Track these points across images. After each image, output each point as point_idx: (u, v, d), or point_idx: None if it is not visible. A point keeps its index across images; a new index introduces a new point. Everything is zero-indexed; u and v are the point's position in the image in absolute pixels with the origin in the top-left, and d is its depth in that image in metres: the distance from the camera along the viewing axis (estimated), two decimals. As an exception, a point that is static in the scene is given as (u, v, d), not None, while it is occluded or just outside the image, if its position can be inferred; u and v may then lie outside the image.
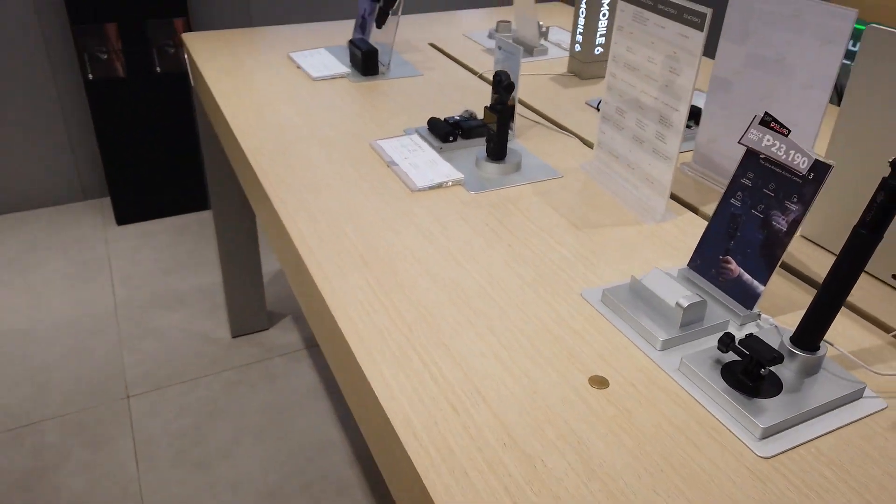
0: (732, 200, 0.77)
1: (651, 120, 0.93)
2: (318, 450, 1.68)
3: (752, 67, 0.94)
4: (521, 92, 1.39)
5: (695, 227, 0.92)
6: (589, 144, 1.17)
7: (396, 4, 1.40)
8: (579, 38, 1.44)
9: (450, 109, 1.29)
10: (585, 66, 1.45)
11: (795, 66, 0.89)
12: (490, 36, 1.72)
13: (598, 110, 1.30)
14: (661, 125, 0.91)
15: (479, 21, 1.88)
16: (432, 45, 1.67)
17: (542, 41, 1.65)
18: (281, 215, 0.92)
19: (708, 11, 0.80)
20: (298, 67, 1.48)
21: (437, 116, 1.24)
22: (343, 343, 0.71)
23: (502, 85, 1.00)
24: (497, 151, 1.05)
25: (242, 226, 1.87)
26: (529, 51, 1.60)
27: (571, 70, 1.50)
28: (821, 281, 0.81)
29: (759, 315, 0.74)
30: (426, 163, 1.06)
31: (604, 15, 1.40)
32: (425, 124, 1.20)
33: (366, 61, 1.42)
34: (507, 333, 0.71)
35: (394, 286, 0.78)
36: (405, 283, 0.79)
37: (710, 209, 0.97)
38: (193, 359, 1.94)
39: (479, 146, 1.14)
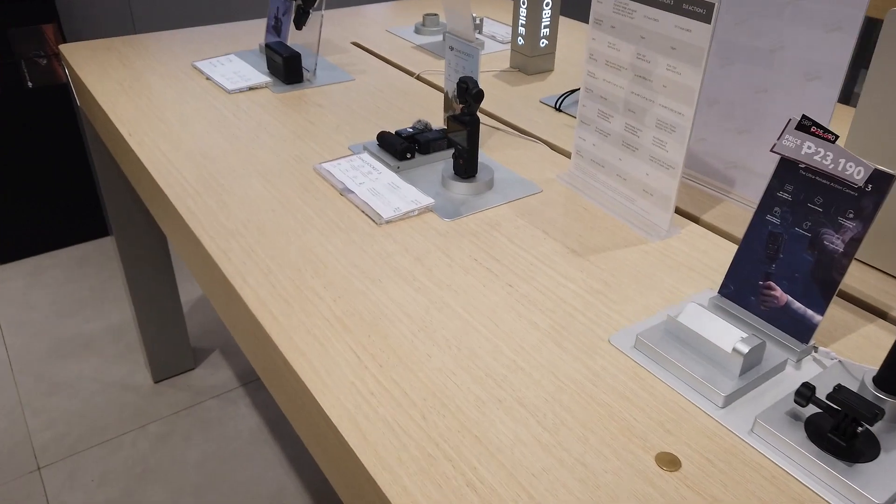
0: (769, 217, 0.67)
1: (646, 125, 0.82)
2: (271, 502, 1.51)
3: (743, 60, 0.85)
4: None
5: (705, 242, 0.83)
6: (560, 151, 1.05)
7: (319, 0, 1.24)
8: (522, 30, 1.33)
9: (395, 119, 1.14)
10: (530, 60, 1.34)
11: (795, 57, 0.80)
12: (417, 31, 1.58)
13: (558, 109, 1.19)
14: (659, 130, 0.81)
15: (399, 15, 1.73)
16: (356, 45, 1.51)
17: (478, 35, 1.52)
18: (226, 273, 0.75)
19: (716, 1, 0.70)
20: (208, 79, 1.28)
21: (386, 129, 1.09)
22: (345, 449, 0.56)
23: (470, 93, 0.87)
24: (468, 168, 0.92)
25: (152, 250, 1.64)
26: (465, 44, 1.47)
27: (515, 65, 1.38)
28: (867, 300, 0.74)
29: (816, 348, 0.65)
30: (386, 187, 0.92)
31: (547, 4, 1.29)
32: (374, 139, 1.05)
33: (288, 68, 1.25)
34: (543, 406, 0.59)
35: (389, 356, 0.64)
36: (401, 349, 0.65)
37: (712, 218, 0.88)
38: (112, 413, 1.71)
39: (439, 161, 1.01)
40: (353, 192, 0.91)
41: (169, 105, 1.16)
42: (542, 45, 1.33)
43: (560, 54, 1.45)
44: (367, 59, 1.41)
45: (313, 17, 1.26)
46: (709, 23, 0.71)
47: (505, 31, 1.57)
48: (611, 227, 0.86)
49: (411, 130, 1.02)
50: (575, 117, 1.15)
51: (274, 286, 0.73)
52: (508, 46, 1.49)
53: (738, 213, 0.89)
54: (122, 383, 1.80)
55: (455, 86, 1.03)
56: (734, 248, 0.82)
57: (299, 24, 1.26)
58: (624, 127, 0.86)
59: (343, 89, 1.26)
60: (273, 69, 1.28)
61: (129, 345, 1.92)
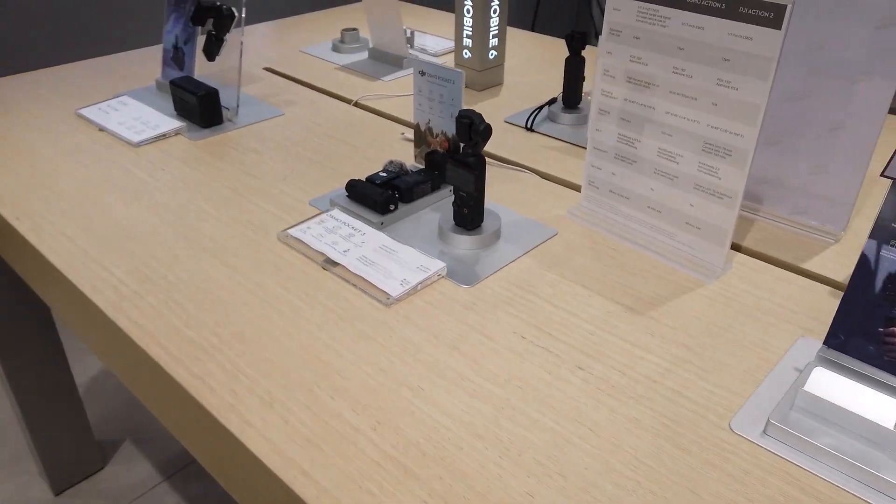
0: (884, 252, 0.57)
1: (688, 149, 0.70)
2: None
3: (769, 63, 0.76)
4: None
5: (765, 276, 0.72)
6: (553, 180, 0.92)
7: (238, 17, 1.02)
8: (468, 42, 1.18)
9: (351, 159, 0.96)
10: (479, 74, 1.20)
11: (837, 58, 0.71)
12: (335, 49, 1.39)
13: (529, 129, 1.05)
14: (708, 155, 0.69)
15: (308, 31, 1.53)
16: (270, 70, 1.30)
17: (409, 49, 1.36)
18: (214, 412, 0.55)
19: (788, 2, 0.59)
20: (102, 129, 1.03)
21: (342, 172, 0.91)
22: None
23: (477, 129, 0.71)
24: (475, 218, 0.76)
25: (31, 320, 1.31)
26: (397, 63, 1.30)
27: (460, 81, 1.23)
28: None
29: (968, 403, 0.55)
30: (378, 253, 0.74)
31: (494, 12, 1.15)
32: (341, 189, 0.86)
33: (205, 108, 1.03)
34: (708, 549, 0.45)
35: (478, 504, 0.47)
36: (491, 492, 0.48)
37: (756, 244, 0.78)
38: (8, 544, 1.39)
39: (424, 209, 0.84)
40: (339, 264, 0.73)
41: (61, 171, 0.91)
42: (491, 58, 1.20)
43: (506, 65, 1.32)
44: (289, 87, 1.21)
45: (230, 41, 1.05)
46: (779, 28, 0.60)
47: (435, 43, 1.42)
48: (654, 269, 0.73)
49: (385, 175, 0.85)
50: (553, 137, 1.02)
51: (287, 421, 0.54)
52: (442, 60, 1.34)
53: (780, 235, 0.79)
54: (14, 503, 1.47)
55: (430, 118, 0.87)
56: (801, 280, 0.72)
57: (212, 54, 1.05)
58: (657, 152, 0.73)
59: (275, 127, 1.05)
60: (184, 111, 1.06)
61: (16, 451, 1.58)
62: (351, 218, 0.80)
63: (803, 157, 0.78)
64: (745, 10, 0.62)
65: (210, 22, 1.03)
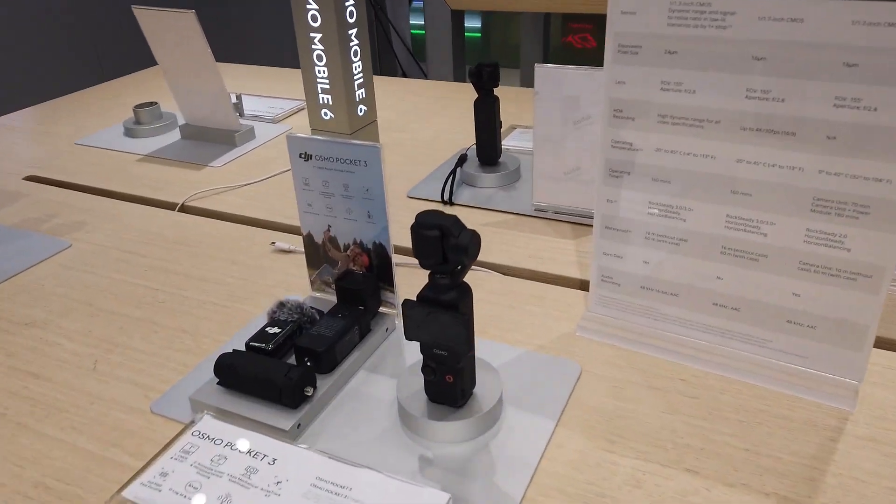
0: None
1: (783, 212, 0.44)
2: None
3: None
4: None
5: (919, 379, 0.48)
6: (523, 275, 0.63)
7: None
8: (326, 99, 0.86)
9: (206, 306, 0.59)
10: (350, 139, 0.88)
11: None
12: (129, 134, 1.00)
13: (449, 203, 0.76)
14: (823, 217, 0.43)
15: (84, 115, 1.11)
16: (34, 179, 0.88)
17: (241, 120, 1.00)
18: None
19: (973, -47, 0.35)
20: None
21: (211, 336, 0.55)
22: None
23: (458, 245, 0.39)
24: (467, 388, 0.44)
25: None
26: (226, 140, 0.95)
27: (323, 151, 0.91)
28: None
29: None
30: (315, 499, 0.39)
31: (355, 54, 0.85)
32: (206, 369, 0.50)
33: (-76, 264, 0.61)
34: None
35: None
36: None
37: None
38: None
39: (355, 373, 0.50)
40: (247, 549, 0.37)
41: None
42: (361, 114, 0.89)
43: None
44: (72, 200, 0.81)
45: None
46: (958, -1, 0.36)
47: (269, 107, 1.08)
48: (760, 404, 0.46)
49: (279, 330, 0.50)
50: (484, 209, 0.73)
51: None
52: (286, 127, 1.01)
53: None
54: None
55: (330, 223, 0.54)
56: (958, 371, 0.49)
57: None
58: (724, 222, 0.47)
59: (60, 271, 0.66)
60: None
61: None
62: (237, 429, 0.44)
63: (877, 189, 0.56)
64: (887, -22, 0.37)
65: None
